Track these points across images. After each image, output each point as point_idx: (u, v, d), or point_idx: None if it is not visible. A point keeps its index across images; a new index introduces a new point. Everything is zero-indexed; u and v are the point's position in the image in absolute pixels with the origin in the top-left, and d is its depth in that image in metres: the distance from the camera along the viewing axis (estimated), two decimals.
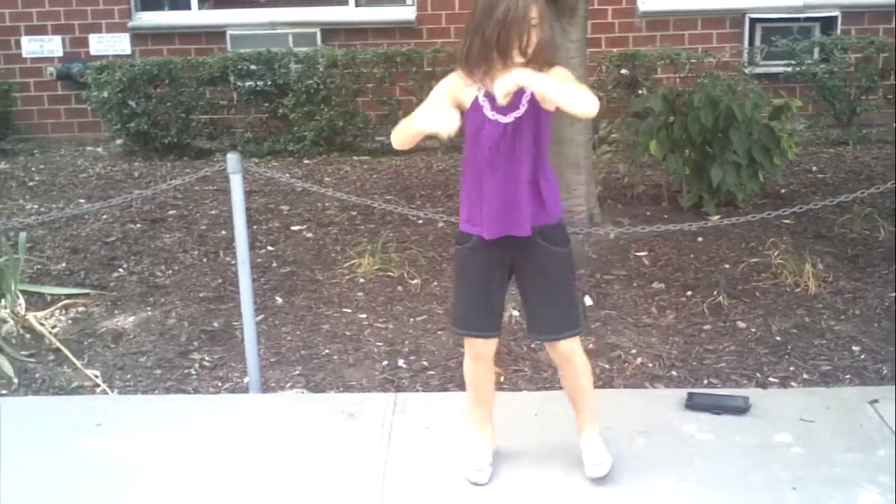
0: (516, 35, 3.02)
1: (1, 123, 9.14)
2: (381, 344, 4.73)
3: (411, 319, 4.98)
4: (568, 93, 3.00)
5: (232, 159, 4.23)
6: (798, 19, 9.26)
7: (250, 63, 8.64)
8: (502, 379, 4.36)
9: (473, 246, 3.26)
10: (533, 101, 3.10)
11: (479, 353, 3.43)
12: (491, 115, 3.12)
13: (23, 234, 5.35)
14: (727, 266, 5.47)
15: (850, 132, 8.56)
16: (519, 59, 3.06)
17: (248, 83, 8.68)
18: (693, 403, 3.96)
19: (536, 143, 3.16)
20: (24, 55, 9.63)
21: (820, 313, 4.89)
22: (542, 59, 3.11)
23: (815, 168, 7.61)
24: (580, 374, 3.43)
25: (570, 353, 3.35)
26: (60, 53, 9.61)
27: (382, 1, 9.85)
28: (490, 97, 3.10)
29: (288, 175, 7.76)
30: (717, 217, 6.02)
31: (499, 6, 3.00)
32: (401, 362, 4.55)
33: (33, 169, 8.29)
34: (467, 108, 3.15)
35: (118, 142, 8.98)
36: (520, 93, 3.08)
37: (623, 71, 8.73)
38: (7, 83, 9.32)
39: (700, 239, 5.86)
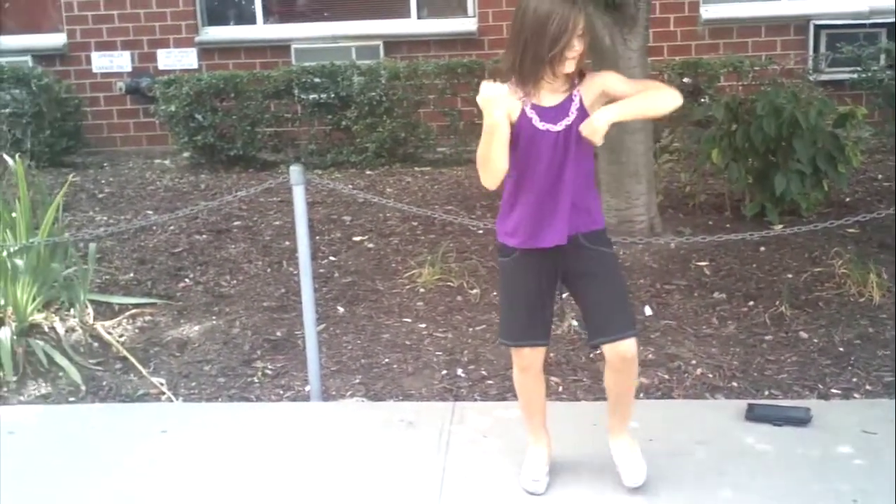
0: (568, 47, 3.03)
1: (72, 137, 9.37)
2: (440, 353, 4.77)
3: (470, 329, 5.01)
4: (650, 102, 3.14)
5: (294, 171, 4.30)
6: (864, 25, 9.16)
7: (314, 76, 8.77)
8: (560, 388, 4.37)
9: (518, 257, 3.27)
10: (581, 109, 3.12)
11: (527, 364, 3.45)
12: (542, 125, 3.12)
13: (93, 246, 5.48)
14: (790, 276, 5.41)
15: None
16: (569, 69, 3.09)
17: (311, 96, 8.80)
18: (753, 415, 3.94)
19: (584, 150, 3.17)
20: (95, 70, 9.89)
21: (884, 323, 4.82)
22: (583, 65, 3.16)
23: (880, 176, 7.49)
24: (634, 375, 3.41)
25: (632, 353, 3.29)
26: (129, 68, 9.85)
27: (444, 13, 9.93)
28: (537, 108, 3.12)
29: (350, 186, 7.86)
30: (780, 226, 5.96)
31: (550, 21, 2.99)
32: (459, 371, 4.59)
33: (103, 181, 8.48)
34: (515, 121, 3.14)
35: (185, 154, 9.15)
36: (568, 101, 3.12)
37: (685, 79, 8.70)
38: (77, 98, 9.55)
39: (762, 248, 5.81)
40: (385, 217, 6.88)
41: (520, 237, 3.23)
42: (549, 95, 3.14)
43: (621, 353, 3.27)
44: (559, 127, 3.12)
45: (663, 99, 3.17)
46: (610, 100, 3.16)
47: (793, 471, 3.55)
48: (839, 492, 3.40)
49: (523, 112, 3.13)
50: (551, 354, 4.65)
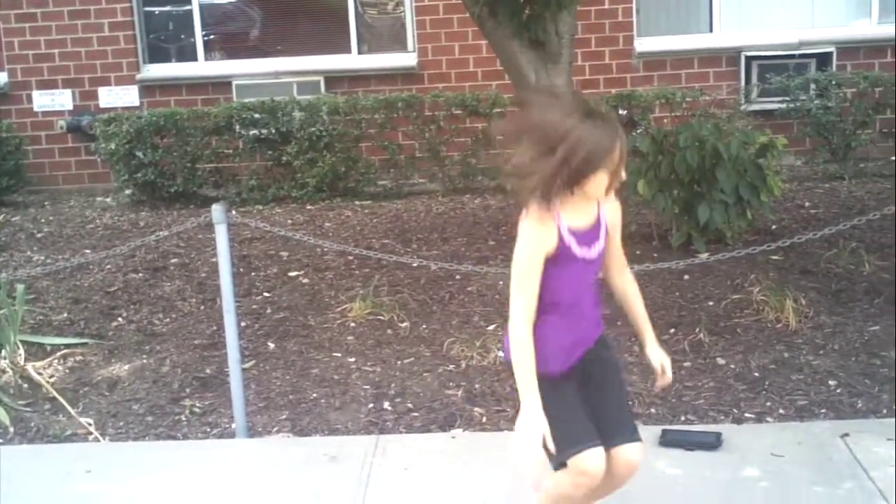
0: (610, 174, 2.82)
1: (13, 176, 9.37)
2: (367, 387, 4.84)
3: (399, 362, 5.09)
4: None
5: (216, 210, 4.35)
6: (793, 56, 9.39)
7: (254, 112, 8.85)
8: (484, 419, 4.45)
9: (556, 379, 3.01)
10: (605, 232, 3.00)
11: (593, 471, 2.96)
12: (579, 251, 2.91)
13: (21, 287, 5.51)
14: (710, 303, 5.55)
15: (845, 167, 8.65)
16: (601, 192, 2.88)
17: (252, 132, 8.88)
18: (666, 440, 4.05)
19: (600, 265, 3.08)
20: (36, 109, 9.91)
21: (799, 348, 4.96)
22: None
23: (808, 203, 7.69)
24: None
25: (639, 458, 3.07)
26: (71, 107, 9.89)
27: (384, 48, 10.06)
28: (574, 233, 2.89)
29: (290, 221, 7.96)
30: (705, 255, 6.10)
31: (588, 141, 2.75)
32: (386, 404, 4.66)
33: (42, 220, 8.49)
34: (553, 251, 2.89)
35: (127, 192, 9.18)
36: (598, 223, 2.97)
37: (621, 111, 8.87)
38: (18, 137, 9.55)
39: (686, 277, 5.95)
40: (322, 252, 6.95)
41: (556, 364, 3.01)
42: (580, 216, 2.92)
43: (635, 460, 3.06)
44: (594, 254, 2.96)
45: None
46: None
47: (701, 494, 3.66)
48: None
49: (561, 237, 2.88)
50: (476, 385, 4.75)
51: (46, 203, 9.30)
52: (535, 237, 2.87)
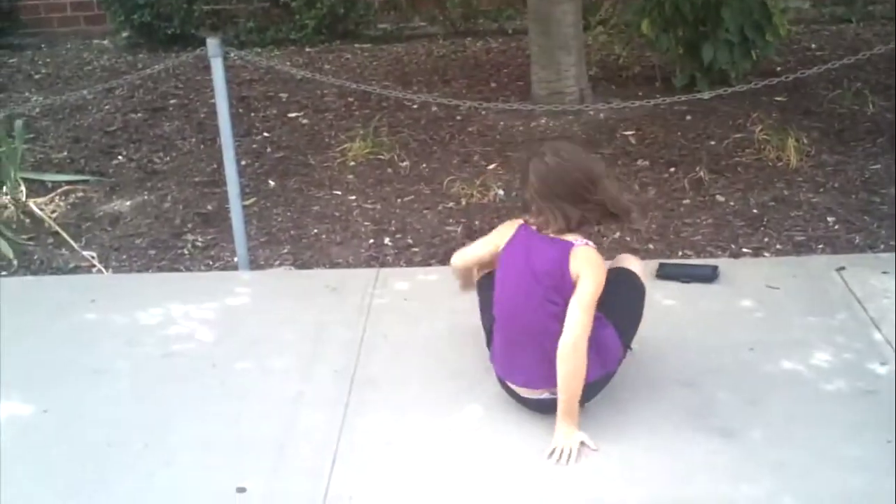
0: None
1: (7, 18, 9.19)
2: (368, 223, 4.87)
3: (399, 200, 5.10)
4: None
5: (211, 44, 4.30)
6: None
7: None
8: None
9: None
10: None
11: None
12: None
13: (19, 122, 5.49)
14: (712, 142, 5.53)
15: (853, 9, 8.47)
16: None
17: None
18: (663, 273, 4.09)
19: None
20: None
21: (799, 186, 4.97)
22: None
23: (814, 45, 7.56)
24: None
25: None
26: None
27: None
28: None
29: (289, 63, 7.84)
30: (707, 94, 6.03)
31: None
32: (386, 240, 4.69)
33: (39, 62, 8.38)
34: None
35: (123, 34, 9.02)
36: None
37: None
38: None
39: (689, 117, 5.91)
40: (322, 94, 6.89)
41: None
42: None
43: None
44: None
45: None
46: None
47: (695, 323, 3.72)
48: (736, 342, 3.57)
49: None
50: (476, 222, 4.77)
51: (43, 46, 9.13)
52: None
